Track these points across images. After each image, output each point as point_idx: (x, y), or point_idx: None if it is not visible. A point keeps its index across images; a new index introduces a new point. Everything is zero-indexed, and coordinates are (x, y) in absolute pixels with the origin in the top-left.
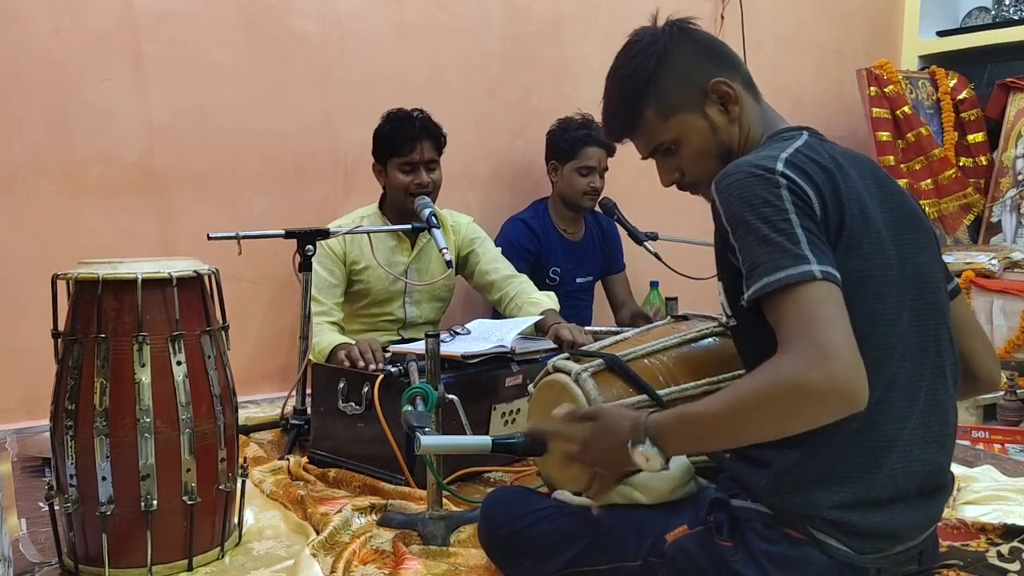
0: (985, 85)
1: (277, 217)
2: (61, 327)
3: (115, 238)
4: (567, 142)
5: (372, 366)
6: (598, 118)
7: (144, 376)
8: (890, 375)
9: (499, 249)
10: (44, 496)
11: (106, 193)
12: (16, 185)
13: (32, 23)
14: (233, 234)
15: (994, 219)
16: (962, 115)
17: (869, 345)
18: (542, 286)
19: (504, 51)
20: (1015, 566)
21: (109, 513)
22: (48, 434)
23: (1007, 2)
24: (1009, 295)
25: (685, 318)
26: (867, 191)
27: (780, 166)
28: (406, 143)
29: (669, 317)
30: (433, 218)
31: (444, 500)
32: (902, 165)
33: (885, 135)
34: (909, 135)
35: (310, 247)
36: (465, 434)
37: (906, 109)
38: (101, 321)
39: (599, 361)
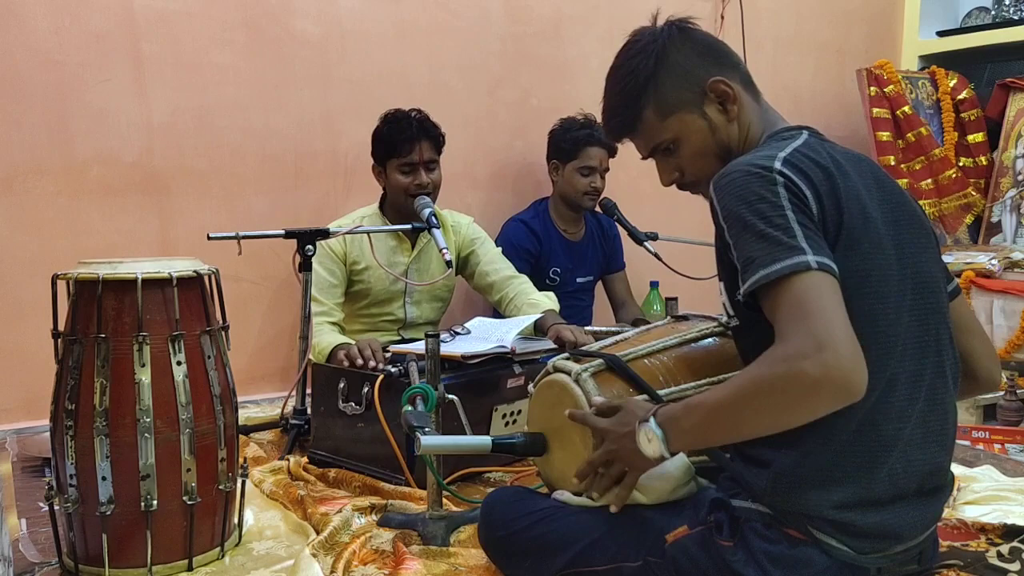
0: (985, 85)
1: (277, 217)
2: (61, 327)
3: (115, 238)
4: (569, 142)
5: (371, 363)
6: (599, 118)
7: (144, 376)
8: (890, 375)
9: (499, 249)
10: (44, 496)
11: (106, 193)
12: (16, 185)
13: (32, 23)
14: (233, 234)
15: (994, 219)
16: (962, 115)
17: (869, 345)
18: (542, 286)
19: (504, 51)
20: (1015, 566)
21: (109, 513)
22: (48, 434)
23: (1007, 2)
24: (1009, 295)
25: (685, 318)
26: (867, 191)
27: (778, 164)
28: (404, 144)
29: (669, 317)
30: (433, 218)
31: (444, 500)
32: (902, 165)
33: (885, 135)
34: (909, 135)
35: (310, 247)
36: (465, 434)
37: (906, 109)
38: (101, 321)
39: (599, 361)
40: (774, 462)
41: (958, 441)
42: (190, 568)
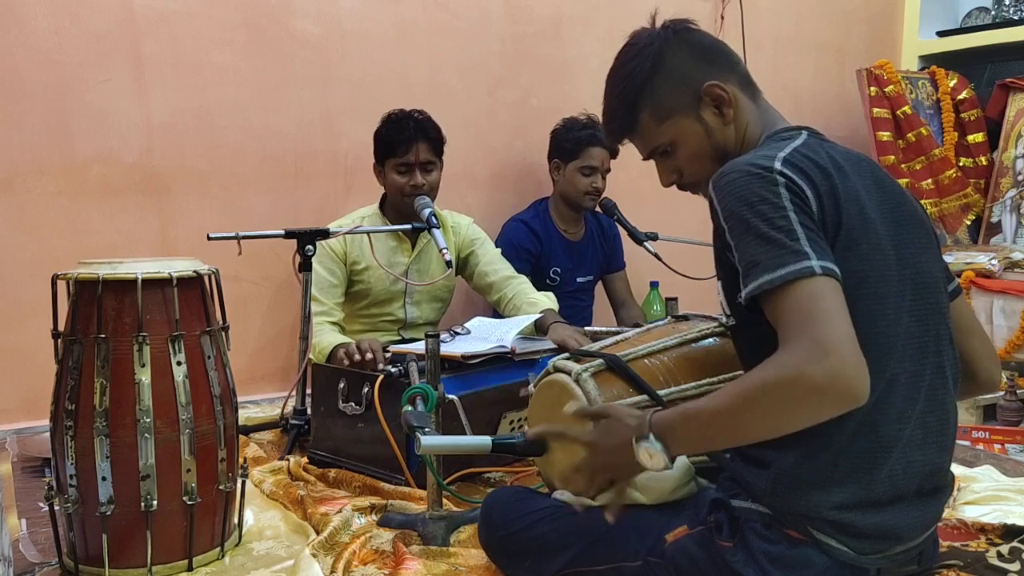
0: (985, 85)
1: (277, 217)
2: (61, 327)
3: (115, 238)
4: (571, 141)
5: (368, 355)
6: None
7: (144, 376)
8: (890, 375)
9: (499, 250)
10: (44, 496)
11: (106, 193)
12: (16, 185)
13: (32, 23)
14: (233, 234)
15: (994, 219)
16: (962, 115)
17: (868, 345)
18: (542, 286)
19: (504, 51)
20: (1015, 566)
21: (109, 513)
22: (48, 434)
23: (1007, 2)
24: (1009, 295)
25: (685, 318)
26: (866, 191)
27: (778, 164)
28: (401, 144)
29: (669, 317)
30: (433, 218)
31: (444, 500)
32: (903, 165)
33: (885, 135)
34: (909, 135)
35: (310, 247)
36: (465, 434)
37: (906, 109)
38: (101, 321)
39: (599, 361)
40: (774, 463)
41: (958, 441)
42: (190, 568)
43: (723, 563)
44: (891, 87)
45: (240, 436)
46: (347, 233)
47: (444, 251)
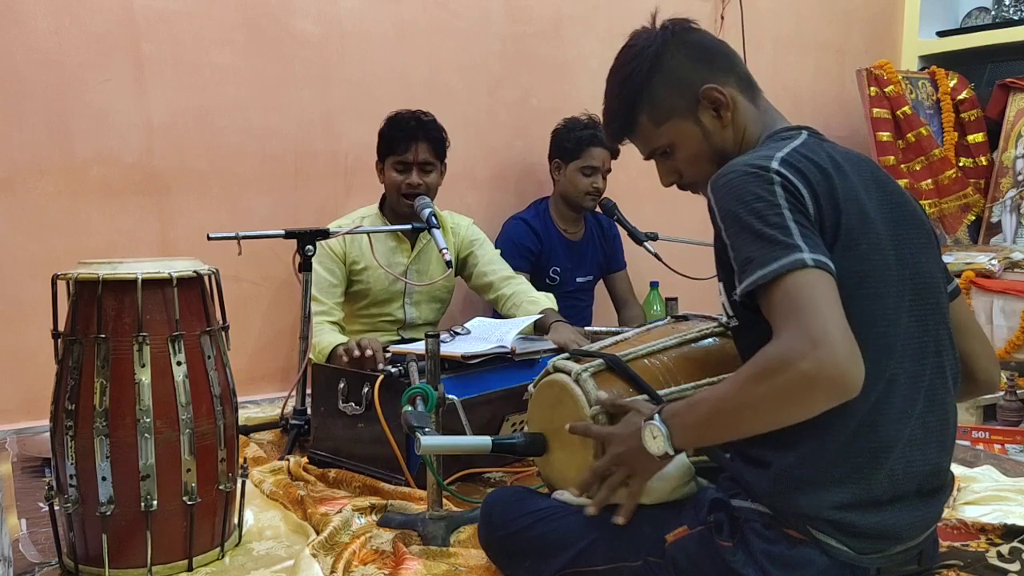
0: (985, 85)
1: (277, 217)
2: (61, 327)
3: (115, 238)
4: (573, 141)
5: (369, 352)
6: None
7: (144, 376)
8: (889, 376)
9: (498, 251)
10: (44, 496)
11: (106, 193)
12: (16, 185)
13: (32, 23)
14: (233, 234)
15: (994, 219)
16: (962, 115)
17: (868, 345)
18: (542, 286)
19: (504, 51)
20: (1015, 566)
21: (109, 513)
22: (48, 434)
23: (1007, 2)
24: (1009, 295)
25: (685, 318)
26: (865, 191)
27: (775, 164)
28: (401, 142)
29: (669, 317)
30: (433, 218)
31: (444, 500)
32: (902, 165)
33: (885, 135)
34: (909, 135)
35: (310, 247)
36: (465, 434)
37: (906, 109)
38: (101, 321)
39: (599, 361)
40: (774, 463)
41: (958, 441)
42: (190, 568)
43: (723, 563)
44: (891, 87)
45: (240, 436)
46: (347, 233)
47: (444, 251)
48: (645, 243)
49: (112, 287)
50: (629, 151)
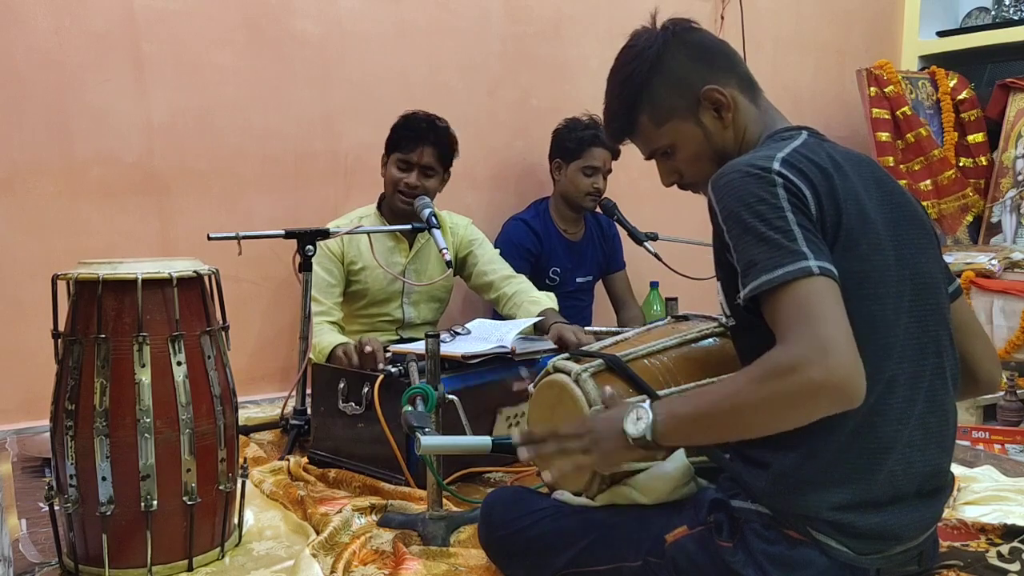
0: (985, 85)
1: (277, 217)
2: (61, 327)
3: (115, 238)
4: (574, 141)
5: (368, 348)
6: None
7: (144, 376)
8: (889, 376)
9: (497, 250)
10: (44, 496)
11: (106, 193)
12: (16, 185)
13: (32, 23)
14: (233, 234)
15: (994, 219)
16: (962, 115)
17: (867, 346)
18: (542, 286)
19: (504, 51)
20: (1015, 566)
21: (109, 513)
22: (48, 434)
23: (1007, 2)
24: (1009, 295)
25: (685, 318)
26: (866, 191)
27: (776, 165)
28: (409, 141)
29: (669, 317)
30: (433, 218)
31: (444, 500)
32: (902, 166)
33: (885, 135)
34: (909, 136)
35: (310, 247)
36: (465, 434)
37: (906, 110)
38: (101, 321)
39: (599, 361)
40: (773, 463)
41: (958, 441)
42: (190, 568)
43: (723, 563)
44: (891, 87)
45: (240, 436)
46: (347, 233)
47: (444, 251)
48: (645, 243)
49: (112, 287)
50: (629, 151)
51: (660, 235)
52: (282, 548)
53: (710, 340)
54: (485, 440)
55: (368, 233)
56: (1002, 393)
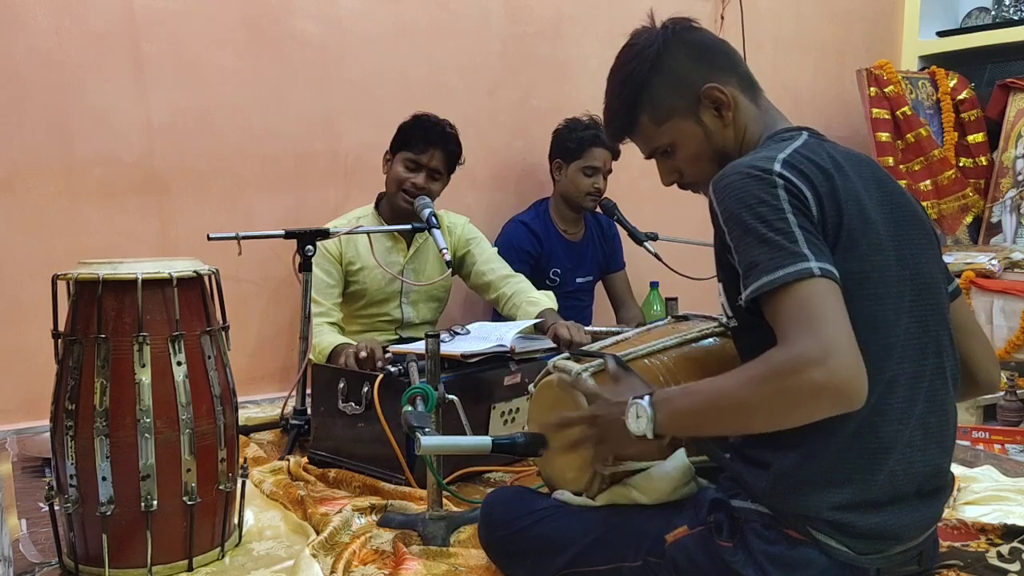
0: (985, 85)
1: (277, 217)
2: (61, 327)
3: (115, 238)
4: (575, 141)
5: (363, 354)
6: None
7: (144, 376)
8: (889, 377)
9: (495, 249)
10: (44, 496)
11: (106, 193)
12: (16, 185)
13: (32, 23)
14: (233, 234)
15: (994, 219)
16: (962, 115)
17: (867, 346)
18: (542, 287)
19: (504, 51)
20: (1015, 566)
21: (109, 513)
22: (48, 434)
23: (1007, 2)
24: (1009, 295)
25: (685, 318)
26: (866, 192)
27: (777, 167)
28: (420, 142)
29: (669, 317)
30: (433, 218)
31: (444, 500)
32: (901, 166)
33: (885, 136)
34: (909, 136)
35: (310, 247)
36: (465, 434)
37: (906, 110)
38: (101, 321)
39: (599, 361)
40: (774, 463)
41: (958, 441)
42: (190, 568)
43: (723, 563)
44: (891, 87)
45: (240, 436)
46: (348, 233)
47: (444, 251)
48: (645, 243)
49: (112, 287)
50: (630, 151)
51: (660, 235)
52: (282, 548)
53: (710, 340)
54: (485, 440)
55: (368, 233)
56: (1002, 393)
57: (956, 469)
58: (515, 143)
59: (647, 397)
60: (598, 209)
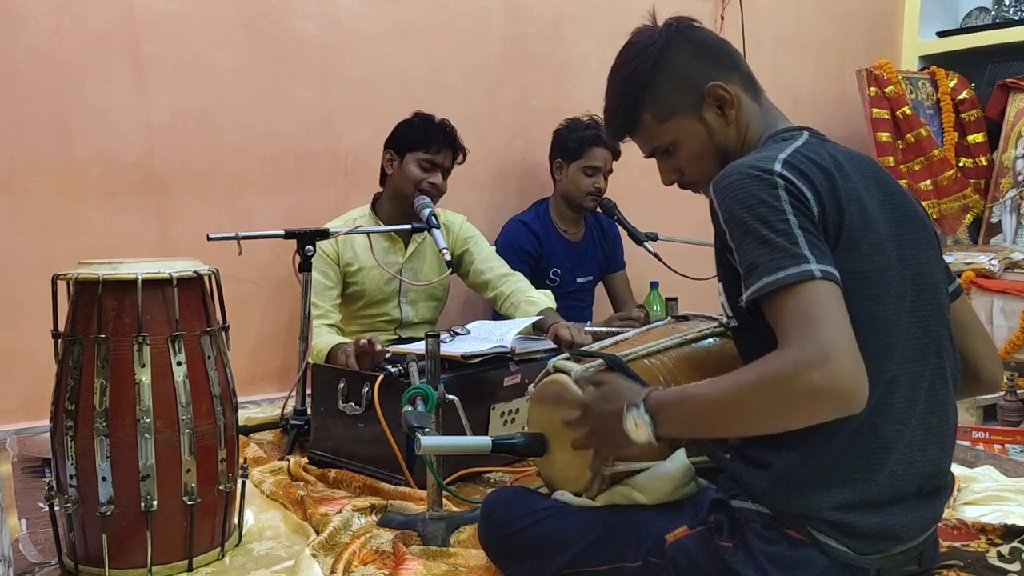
0: (985, 85)
1: (277, 217)
2: (61, 327)
3: (115, 238)
4: (575, 141)
5: (362, 341)
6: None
7: (144, 376)
8: (889, 377)
9: (493, 248)
10: (44, 496)
11: (106, 193)
12: (16, 185)
13: (32, 23)
14: (233, 234)
15: (994, 219)
16: (962, 115)
17: (868, 347)
18: (542, 287)
19: (504, 51)
20: (1015, 566)
21: (109, 513)
22: (48, 434)
23: (1007, 2)
24: (1009, 295)
25: (685, 318)
26: (867, 192)
27: (778, 167)
28: (434, 143)
29: (669, 317)
30: (433, 218)
31: (444, 500)
32: (902, 166)
33: (885, 136)
34: (909, 136)
35: (310, 247)
36: (465, 434)
37: (906, 110)
38: (101, 321)
39: (599, 361)
40: (774, 463)
41: (958, 441)
42: (190, 568)
43: (723, 563)
44: (891, 87)
45: (240, 436)
46: (348, 233)
47: (444, 251)
48: (645, 243)
49: (112, 287)
50: (630, 151)
51: (660, 235)
52: (282, 548)
53: (710, 340)
54: (486, 440)
55: (368, 233)
56: (1002, 393)
57: (956, 469)
58: (515, 143)
59: (641, 406)
60: (598, 209)
